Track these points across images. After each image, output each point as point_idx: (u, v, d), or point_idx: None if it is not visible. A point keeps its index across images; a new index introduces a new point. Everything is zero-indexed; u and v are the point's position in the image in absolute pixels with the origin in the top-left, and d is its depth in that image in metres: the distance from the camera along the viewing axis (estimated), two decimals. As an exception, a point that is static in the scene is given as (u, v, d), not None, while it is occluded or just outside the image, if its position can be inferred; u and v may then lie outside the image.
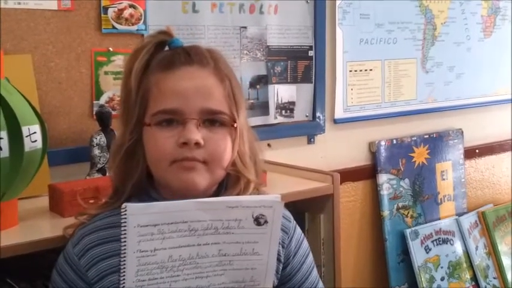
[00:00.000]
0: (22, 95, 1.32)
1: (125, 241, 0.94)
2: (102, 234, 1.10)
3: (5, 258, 1.20)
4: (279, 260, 1.16)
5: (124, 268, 0.95)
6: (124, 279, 0.95)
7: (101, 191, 1.42)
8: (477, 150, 2.80)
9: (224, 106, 1.11)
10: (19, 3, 1.58)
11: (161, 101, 1.09)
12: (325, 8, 2.19)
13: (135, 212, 0.94)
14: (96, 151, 1.63)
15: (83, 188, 1.42)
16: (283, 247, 1.17)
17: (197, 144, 1.07)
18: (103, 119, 1.65)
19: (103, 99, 1.73)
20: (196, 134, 1.07)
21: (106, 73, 1.74)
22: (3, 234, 1.26)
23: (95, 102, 1.72)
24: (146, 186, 1.14)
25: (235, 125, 1.12)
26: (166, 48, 1.16)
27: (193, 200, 0.99)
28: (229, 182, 1.15)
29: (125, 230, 0.94)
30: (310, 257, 1.24)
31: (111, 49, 1.74)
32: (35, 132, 1.28)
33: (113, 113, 1.70)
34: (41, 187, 1.48)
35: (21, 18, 1.59)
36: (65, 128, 1.68)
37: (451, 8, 2.60)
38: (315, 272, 1.24)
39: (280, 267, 1.18)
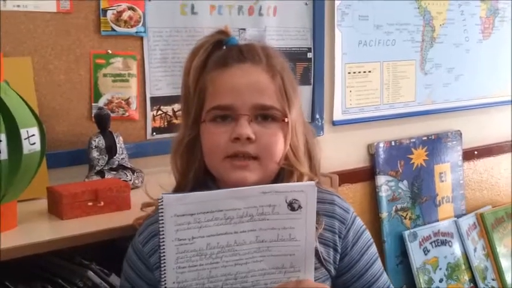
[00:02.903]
0: (21, 97, 1.32)
1: (163, 230, 0.97)
2: None
3: (3, 261, 1.20)
4: (335, 250, 1.18)
5: (164, 256, 0.98)
6: (165, 266, 0.98)
7: (100, 194, 1.43)
8: (476, 152, 2.79)
9: (275, 102, 1.14)
10: (18, 6, 1.58)
11: (215, 98, 1.14)
12: (324, 9, 2.19)
13: (172, 202, 0.97)
14: (95, 153, 1.63)
15: (82, 191, 1.42)
16: (340, 237, 1.19)
17: (249, 139, 1.11)
18: (102, 121, 1.65)
19: (102, 102, 1.73)
20: (248, 129, 1.11)
21: (105, 75, 1.74)
22: (2, 236, 1.25)
23: (93, 104, 1.72)
24: (205, 178, 1.18)
25: (286, 120, 1.14)
26: (224, 47, 1.20)
27: (227, 189, 1.03)
28: (284, 176, 1.17)
29: (162, 219, 0.97)
30: (373, 250, 1.24)
31: (110, 51, 1.74)
32: (33, 135, 1.28)
33: (112, 115, 1.70)
34: (40, 189, 1.48)
35: (20, 21, 1.59)
36: (63, 130, 1.68)
37: (450, 10, 2.59)
38: (377, 264, 1.24)
39: (338, 257, 1.19)
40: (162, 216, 0.97)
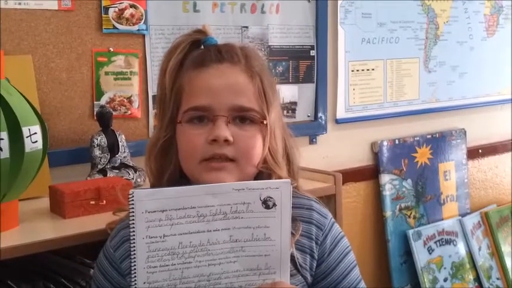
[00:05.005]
0: (22, 95, 1.31)
1: (133, 227, 0.95)
2: None
3: (5, 260, 1.20)
4: (312, 256, 1.15)
5: (134, 254, 0.95)
6: (135, 264, 0.96)
7: (102, 192, 1.42)
8: (480, 150, 2.78)
9: (254, 103, 1.12)
10: (19, 4, 1.58)
11: (192, 98, 1.11)
12: (327, 7, 2.18)
13: (143, 198, 0.95)
14: (97, 152, 1.62)
15: (84, 189, 1.41)
16: (316, 243, 1.16)
17: (226, 141, 1.09)
18: (104, 119, 1.65)
19: (104, 100, 1.73)
20: (226, 131, 1.08)
21: (107, 73, 1.73)
22: (4, 235, 1.25)
23: (95, 102, 1.71)
24: (181, 182, 1.15)
25: (265, 122, 1.12)
26: (202, 47, 1.18)
27: (200, 185, 1.00)
28: (262, 180, 1.14)
29: (133, 215, 0.94)
30: (350, 257, 1.20)
31: (111, 49, 1.73)
32: (35, 133, 1.27)
33: (114, 113, 1.69)
34: (42, 188, 1.48)
35: (22, 19, 1.58)
36: (65, 128, 1.67)
37: (454, 7, 2.59)
38: (355, 272, 1.20)
39: (314, 264, 1.15)
40: (132, 212, 0.94)
